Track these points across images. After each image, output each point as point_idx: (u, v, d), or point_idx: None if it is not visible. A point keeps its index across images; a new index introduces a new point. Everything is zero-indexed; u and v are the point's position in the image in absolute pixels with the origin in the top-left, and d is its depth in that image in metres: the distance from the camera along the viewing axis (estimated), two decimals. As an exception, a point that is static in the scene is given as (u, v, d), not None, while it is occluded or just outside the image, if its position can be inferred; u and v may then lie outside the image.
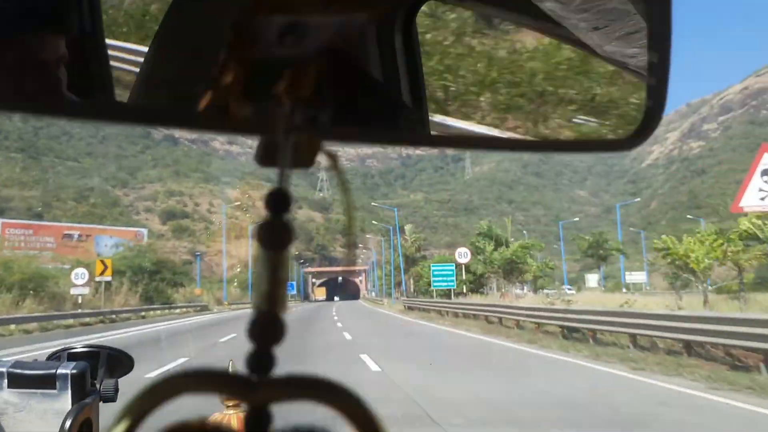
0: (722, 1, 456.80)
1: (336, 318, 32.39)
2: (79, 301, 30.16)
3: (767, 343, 8.87)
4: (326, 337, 18.18)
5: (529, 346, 15.23)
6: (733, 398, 7.88)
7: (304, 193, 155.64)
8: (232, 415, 1.03)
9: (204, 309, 48.93)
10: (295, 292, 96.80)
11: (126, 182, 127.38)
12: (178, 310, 43.66)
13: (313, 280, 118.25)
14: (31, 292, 28.94)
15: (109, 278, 31.62)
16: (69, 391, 0.93)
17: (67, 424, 0.89)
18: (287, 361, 0.33)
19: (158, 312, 38.86)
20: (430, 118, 0.64)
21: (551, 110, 0.54)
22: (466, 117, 0.52)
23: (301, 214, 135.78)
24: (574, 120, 0.53)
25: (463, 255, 38.18)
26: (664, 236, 23.21)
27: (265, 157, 0.39)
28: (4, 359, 0.96)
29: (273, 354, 0.34)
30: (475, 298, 37.77)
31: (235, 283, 73.34)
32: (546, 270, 45.39)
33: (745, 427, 6.72)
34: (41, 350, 11.09)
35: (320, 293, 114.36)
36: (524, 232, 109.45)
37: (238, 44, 0.47)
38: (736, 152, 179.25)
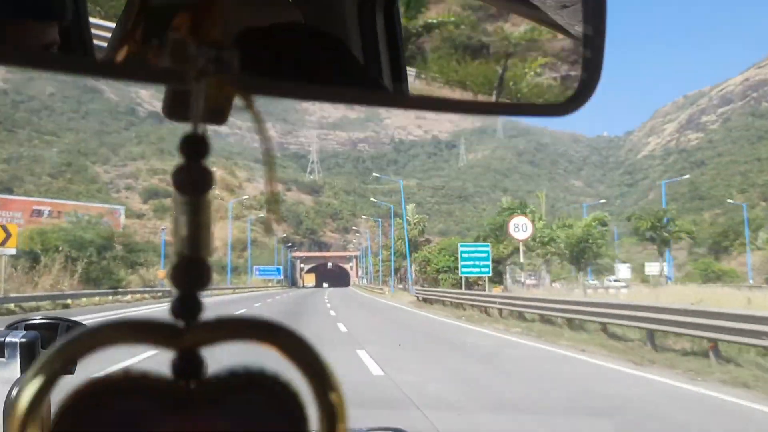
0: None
1: (334, 314, 23.52)
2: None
3: None
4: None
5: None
6: None
7: (293, 175, 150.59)
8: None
9: (166, 295, 41.88)
10: (282, 277, 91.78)
11: (107, 159, 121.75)
12: (128, 297, 35.07)
13: (302, 265, 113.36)
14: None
15: (12, 251, 24.01)
16: (18, 360, 0.92)
17: (14, 391, 0.87)
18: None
19: (96, 299, 30.62)
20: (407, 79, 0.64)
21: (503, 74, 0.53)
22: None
23: (290, 197, 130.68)
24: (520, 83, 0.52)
25: (520, 228, 26.65)
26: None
27: (173, 107, 0.37)
28: None
29: (199, 299, 0.33)
30: (497, 290, 31.71)
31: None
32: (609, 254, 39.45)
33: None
34: None
35: (309, 279, 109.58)
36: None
37: None
38: (737, 144, 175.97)
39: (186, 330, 0.32)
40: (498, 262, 38.99)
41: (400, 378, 8.11)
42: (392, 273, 54.91)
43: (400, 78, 0.67)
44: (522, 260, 29.84)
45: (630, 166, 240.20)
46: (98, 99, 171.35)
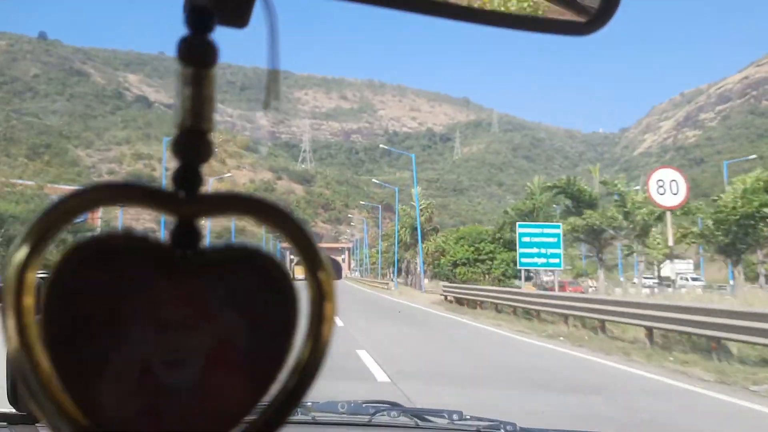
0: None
1: (342, 325, 13.67)
2: None
3: None
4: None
5: None
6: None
7: (284, 164, 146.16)
8: None
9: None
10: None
11: (91, 143, 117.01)
12: None
13: (291, 256, 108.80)
14: None
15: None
16: None
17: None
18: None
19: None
20: None
21: None
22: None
23: (281, 186, 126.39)
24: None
25: (668, 187, 14.34)
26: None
27: None
28: None
29: (200, 171, 0.33)
30: (529, 289, 25.84)
31: None
32: None
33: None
34: None
35: (299, 272, 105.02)
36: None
37: None
38: (736, 142, 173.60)
39: (186, 200, 0.32)
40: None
41: None
42: (395, 265, 49.89)
43: None
44: (667, 242, 17.24)
45: (626, 162, 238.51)
46: (84, 82, 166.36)
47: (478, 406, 4.77)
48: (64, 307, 0.30)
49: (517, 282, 30.80)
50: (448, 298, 26.35)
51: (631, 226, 28.38)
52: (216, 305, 0.32)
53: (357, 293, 39.10)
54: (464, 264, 37.73)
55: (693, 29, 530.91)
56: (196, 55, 0.34)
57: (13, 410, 0.81)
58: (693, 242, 29.81)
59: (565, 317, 15.57)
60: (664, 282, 27.17)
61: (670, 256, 20.75)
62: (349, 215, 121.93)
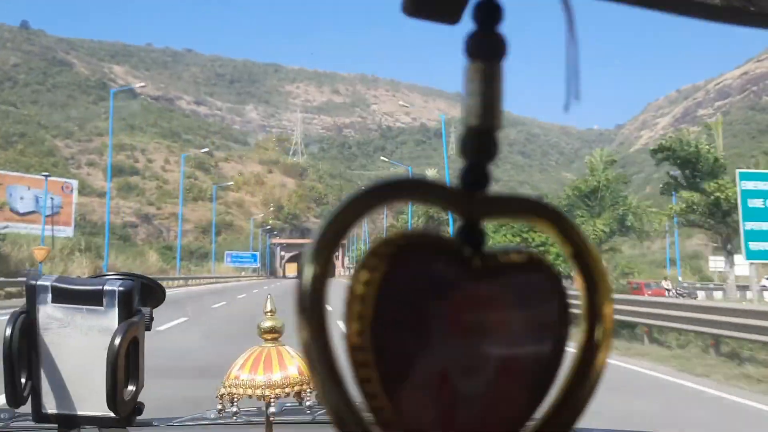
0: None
1: None
2: None
3: None
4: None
5: None
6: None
7: (275, 157, 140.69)
8: (271, 348, 1.00)
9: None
10: (258, 265, 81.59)
11: (71, 133, 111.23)
12: None
13: (282, 252, 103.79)
14: None
15: None
16: (116, 309, 0.91)
17: (117, 340, 0.87)
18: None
19: None
20: None
21: None
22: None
23: (271, 178, 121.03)
24: None
25: None
26: None
27: None
28: (49, 274, 0.92)
29: (488, 170, 0.32)
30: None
31: (156, 250, 54.93)
32: None
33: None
34: None
35: (291, 269, 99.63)
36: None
37: None
38: (737, 138, 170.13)
39: (475, 199, 0.32)
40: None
41: None
42: None
43: None
44: None
45: (622, 159, 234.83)
46: (67, 72, 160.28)
47: None
48: (389, 308, 0.30)
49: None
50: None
51: None
52: (510, 309, 0.31)
53: None
54: None
55: (687, 26, 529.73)
56: (486, 49, 0.33)
57: (111, 414, 0.84)
58: None
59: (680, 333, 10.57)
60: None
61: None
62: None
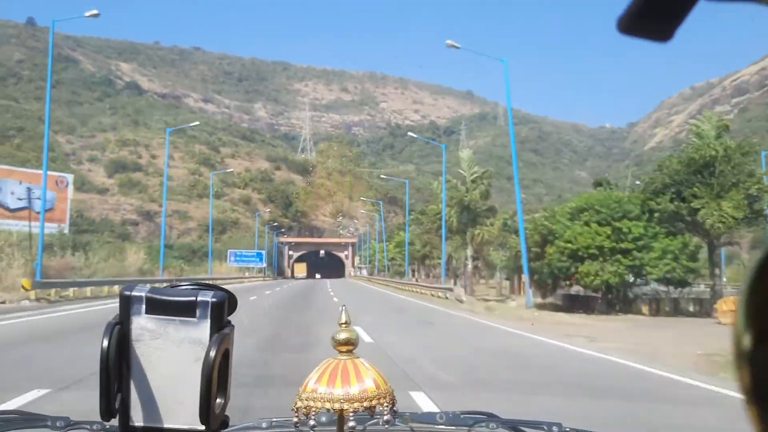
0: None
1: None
2: None
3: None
4: None
5: None
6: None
7: (283, 154, 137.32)
8: (346, 360, 1.00)
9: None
10: (264, 264, 77.73)
11: (73, 129, 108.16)
12: None
13: (290, 252, 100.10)
14: None
15: None
16: (208, 320, 0.92)
17: (212, 353, 0.88)
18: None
19: None
20: None
21: None
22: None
23: (279, 176, 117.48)
24: None
25: None
26: None
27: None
28: (142, 285, 0.94)
29: None
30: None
31: (145, 251, 49.59)
32: None
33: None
34: None
35: (300, 270, 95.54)
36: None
37: None
38: (757, 134, 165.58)
39: None
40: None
41: None
42: (444, 262, 38.37)
43: None
44: None
45: (637, 157, 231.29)
46: (72, 68, 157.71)
47: None
48: None
49: None
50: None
51: None
52: None
53: (411, 310, 22.96)
54: (594, 257, 22.29)
55: (700, 23, 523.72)
56: None
57: (198, 427, 0.86)
58: None
59: None
60: None
61: None
62: (350, 211, 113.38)
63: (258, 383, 6.77)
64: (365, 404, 0.93)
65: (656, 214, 22.77)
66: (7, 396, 6.00)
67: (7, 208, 50.82)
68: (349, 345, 0.98)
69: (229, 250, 72.82)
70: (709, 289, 25.47)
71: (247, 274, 70.98)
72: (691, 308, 24.90)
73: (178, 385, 0.92)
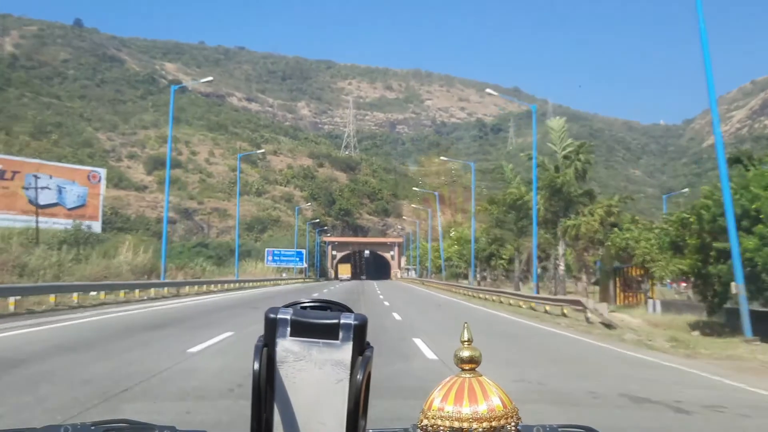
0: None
1: None
2: None
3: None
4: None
5: None
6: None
7: (326, 151, 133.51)
8: (471, 378, 1.00)
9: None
10: (305, 265, 73.33)
11: (115, 126, 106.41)
12: None
13: (334, 252, 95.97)
14: None
15: None
16: (351, 343, 0.93)
17: (359, 375, 0.90)
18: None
19: None
20: None
21: None
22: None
23: (322, 173, 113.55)
24: None
25: None
26: None
27: None
28: (286, 308, 0.96)
29: None
30: None
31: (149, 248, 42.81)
32: None
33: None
34: None
35: (344, 270, 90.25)
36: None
37: None
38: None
39: None
40: None
41: None
42: (535, 265, 28.12)
43: None
44: None
45: (694, 155, 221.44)
46: (117, 68, 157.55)
47: None
48: None
49: None
50: None
51: None
52: None
53: (538, 347, 12.95)
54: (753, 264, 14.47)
55: (761, 15, 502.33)
56: None
57: None
58: None
59: None
60: None
61: None
62: (397, 210, 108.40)
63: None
64: (494, 423, 0.94)
65: None
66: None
67: (36, 204, 47.87)
68: (473, 363, 0.99)
69: (266, 249, 68.83)
70: None
71: (284, 275, 66.31)
72: None
73: (320, 406, 0.93)
